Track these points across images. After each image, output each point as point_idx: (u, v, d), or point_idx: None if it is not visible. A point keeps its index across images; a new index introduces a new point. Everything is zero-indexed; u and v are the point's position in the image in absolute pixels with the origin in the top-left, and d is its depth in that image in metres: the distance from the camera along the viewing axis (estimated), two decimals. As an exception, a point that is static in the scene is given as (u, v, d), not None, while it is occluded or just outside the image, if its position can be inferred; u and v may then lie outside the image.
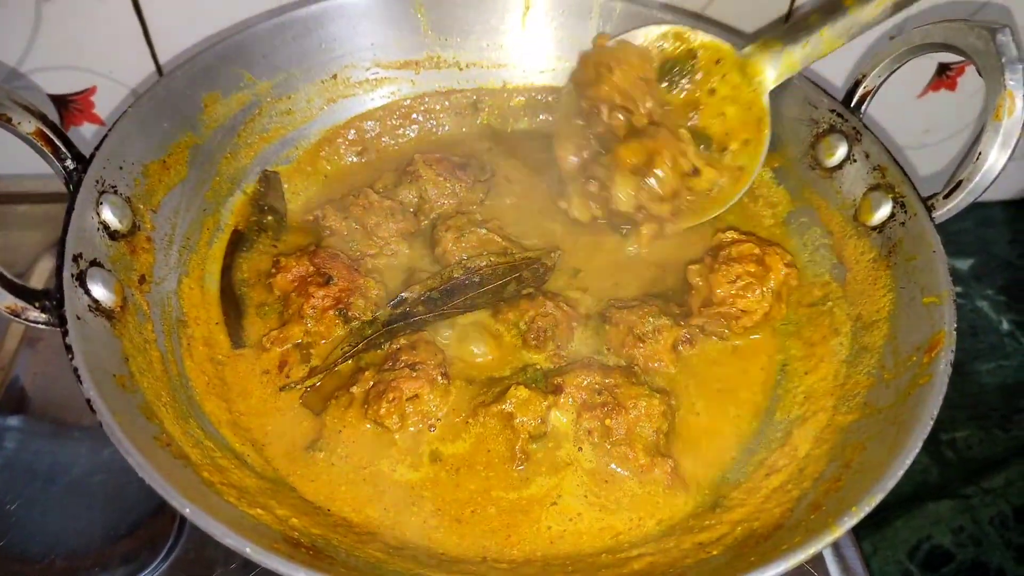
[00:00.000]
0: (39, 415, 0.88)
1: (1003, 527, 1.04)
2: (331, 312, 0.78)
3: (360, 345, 0.77)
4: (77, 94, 1.05)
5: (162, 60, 1.02)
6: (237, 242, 0.86)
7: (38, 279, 0.97)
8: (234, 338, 0.79)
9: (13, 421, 0.87)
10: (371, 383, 0.72)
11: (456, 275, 0.81)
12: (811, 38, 0.82)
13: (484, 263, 0.81)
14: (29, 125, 0.66)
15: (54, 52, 1.00)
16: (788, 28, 0.84)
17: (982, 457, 1.11)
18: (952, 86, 1.18)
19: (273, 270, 0.80)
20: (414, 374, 0.71)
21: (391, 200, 0.88)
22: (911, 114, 1.20)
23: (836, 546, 0.80)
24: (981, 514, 1.05)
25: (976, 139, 0.72)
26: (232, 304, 0.81)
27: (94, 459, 0.83)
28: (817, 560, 0.79)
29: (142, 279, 0.71)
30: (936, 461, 1.10)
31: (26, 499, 0.80)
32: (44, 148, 0.67)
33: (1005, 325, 1.26)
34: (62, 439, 0.86)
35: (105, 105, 1.07)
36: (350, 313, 0.78)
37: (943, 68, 1.15)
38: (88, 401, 0.55)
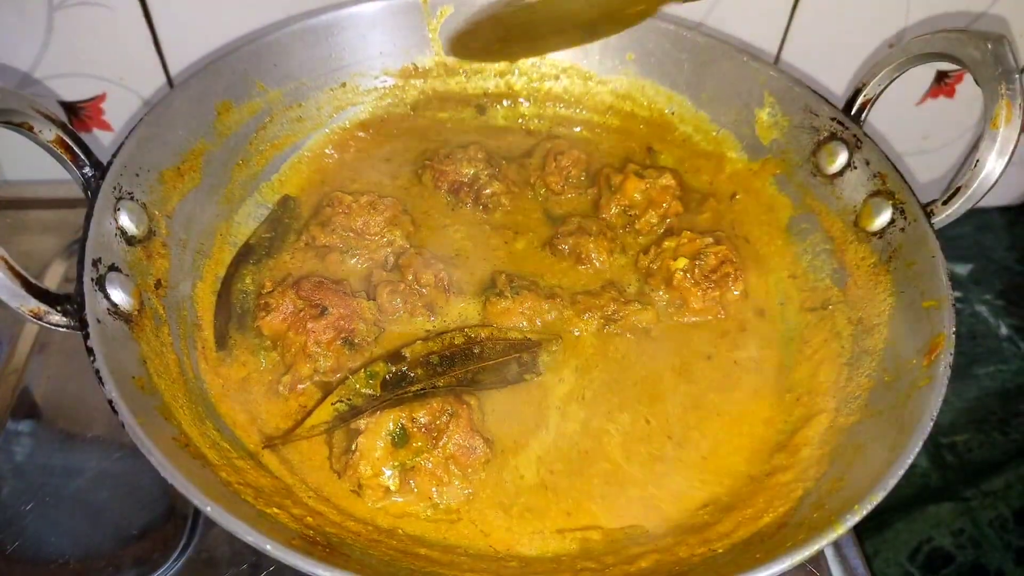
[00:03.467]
0: (51, 419, 0.89)
1: (1002, 529, 1.05)
2: (337, 343, 0.76)
3: (354, 407, 0.72)
4: (87, 101, 1.07)
5: (172, 69, 1.04)
6: (245, 254, 0.86)
7: (51, 282, 0.99)
8: (219, 340, 0.78)
9: (25, 426, 0.88)
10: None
11: (457, 342, 0.78)
12: None
13: (485, 334, 0.79)
14: (50, 133, 0.67)
15: (65, 59, 1.01)
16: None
17: (981, 460, 1.12)
18: (950, 93, 1.19)
19: (261, 313, 0.77)
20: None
21: (366, 194, 0.87)
22: (910, 121, 1.22)
23: (838, 547, 0.81)
24: (981, 516, 1.06)
25: (974, 146, 0.73)
26: (225, 308, 0.80)
27: (106, 462, 0.84)
28: (820, 561, 0.80)
29: (158, 283, 0.72)
30: (936, 464, 1.11)
31: (40, 502, 0.81)
32: (64, 156, 0.69)
33: (1003, 330, 1.27)
34: (75, 442, 0.87)
35: (115, 112, 1.09)
36: (355, 340, 0.77)
37: (941, 76, 1.17)
38: (110, 402, 0.56)
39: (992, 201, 1.36)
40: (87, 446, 0.86)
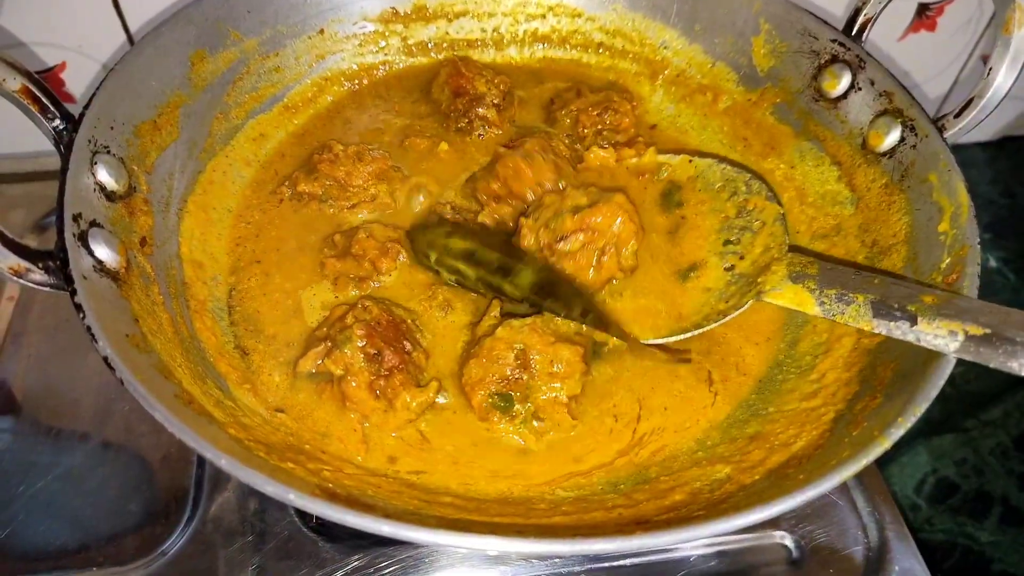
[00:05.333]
0: (35, 405, 0.85)
1: (1003, 456, 1.06)
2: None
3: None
4: (46, 71, 1.01)
5: (134, 30, 0.99)
6: None
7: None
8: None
9: (8, 413, 0.84)
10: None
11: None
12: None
13: None
14: (14, 82, 0.62)
15: (20, 28, 0.96)
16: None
17: (979, 391, 1.13)
18: (932, 27, 1.18)
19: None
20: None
21: (356, 144, 0.84)
22: (892, 57, 1.21)
23: (859, 476, 0.81)
24: (982, 445, 1.07)
25: (962, 76, 0.71)
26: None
27: (98, 439, 0.81)
28: (842, 490, 0.80)
29: (143, 241, 0.68)
30: (936, 397, 1.11)
31: (30, 485, 0.77)
32: (31, 107, 0.64)
33: (992, 262, 1.28)
34: (63, 420, 0.83)
35: (76, 81, 1.04)
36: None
37: (923, 9, 1.15)
38: (105, 359, 0.52)
39: (973, 137, 1.36)
40: (76, 426, 0.82)
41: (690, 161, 0.84)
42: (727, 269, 0.76)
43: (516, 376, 0.68)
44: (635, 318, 0.75)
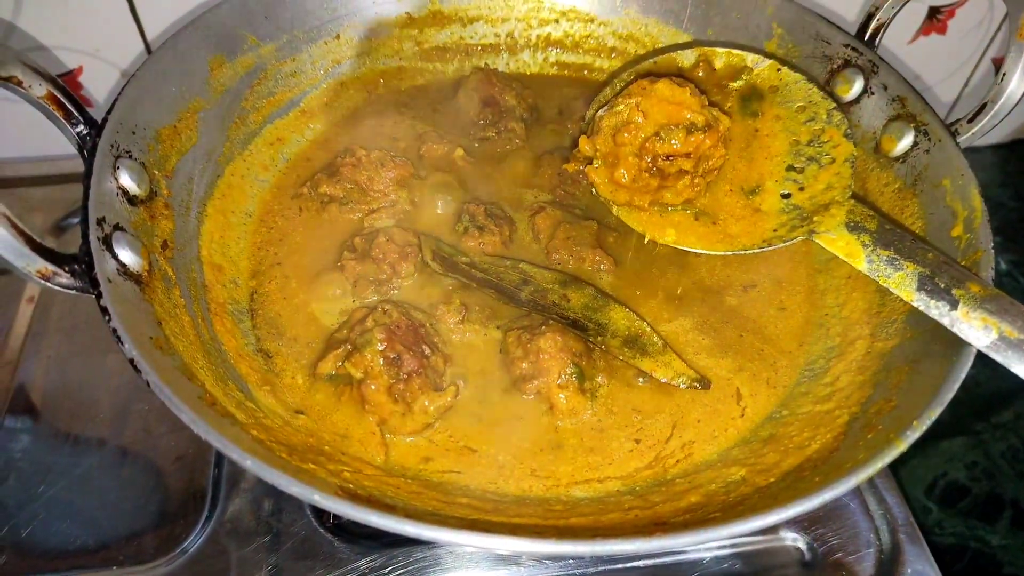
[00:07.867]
0: (55, 404, 0.85)
1: (1014, 459, 1.06)
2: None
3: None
4: (64, 75, 1.02)
5: (151, 37, 1.00)
6: None
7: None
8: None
9: (26, 416, 0.84)
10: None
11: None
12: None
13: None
14: (40, 88, 0.63)
15: (38, 32, 0.97)
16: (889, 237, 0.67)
17: (990, 394, 1.12)
18: (943, 30, 1.18)
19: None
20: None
21: (379, 150, 0.85)
22: (903, 60, 1.21)
23: (871, 479, 0.81)
24: (993, 448, 1.07)
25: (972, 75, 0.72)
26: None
27: (116, 441, 0.82)
28: (854, 493, 0.80)
29: (164, 245, 0.69)
30: (946, 399, 1.11)
31: (51, 485, 0.78)
32: (55, 112, 0.65)
33: (1003, 265, 1.27)
34: (83, 423, 0.84)
35: (93, 85, 1.05)
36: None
37: (933, 12, 1.16)
38: (131, 361, 0.53)
39: (985, 140, 1.36)
40: (95, 426, 0.83)
41: (778, 70, 0.79)
42: (783, 196, 0.73)
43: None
44: (690, 228, 0.73)
